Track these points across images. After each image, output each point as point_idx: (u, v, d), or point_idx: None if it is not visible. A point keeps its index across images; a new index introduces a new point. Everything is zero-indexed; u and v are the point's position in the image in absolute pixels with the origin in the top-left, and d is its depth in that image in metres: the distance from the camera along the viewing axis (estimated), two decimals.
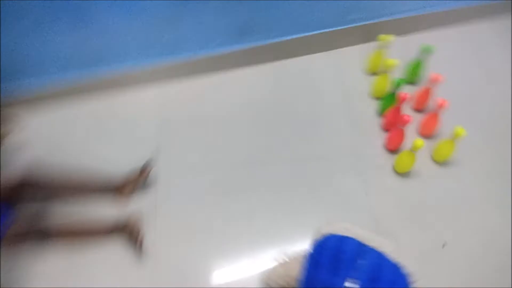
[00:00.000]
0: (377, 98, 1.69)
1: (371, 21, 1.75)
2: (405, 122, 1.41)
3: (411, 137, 1.47)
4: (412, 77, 1.69)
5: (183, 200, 1.48)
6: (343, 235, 1.20)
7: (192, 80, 1.75)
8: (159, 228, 1.42)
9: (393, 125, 1.55)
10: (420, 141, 1.35)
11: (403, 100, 1.45)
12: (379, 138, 1.59)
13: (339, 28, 1.73)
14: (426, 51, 1.57)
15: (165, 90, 1.74)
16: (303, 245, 1.21)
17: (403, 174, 1.51)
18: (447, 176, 1.51)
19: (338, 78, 1.76)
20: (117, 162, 1.50)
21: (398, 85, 1.49)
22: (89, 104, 1.70)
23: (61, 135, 1.63)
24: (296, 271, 1.20)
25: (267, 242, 1.39)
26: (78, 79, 1.62)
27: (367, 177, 1.51)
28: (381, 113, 1.64)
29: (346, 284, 1.05)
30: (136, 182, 1.45)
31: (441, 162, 1.53)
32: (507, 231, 1.39)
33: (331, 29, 1.73)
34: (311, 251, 1.22)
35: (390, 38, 1.60)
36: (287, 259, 1.26)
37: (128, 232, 1.36)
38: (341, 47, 1.83)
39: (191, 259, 1.36)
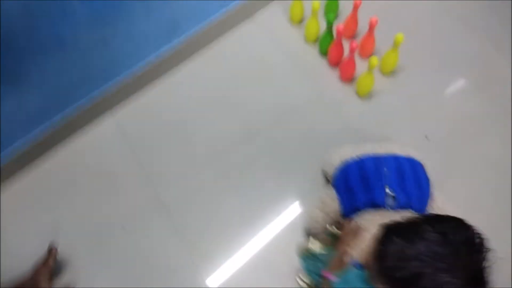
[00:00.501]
0: (313, 42, 1.80)
1: None
2: (353, 48, 1.54)
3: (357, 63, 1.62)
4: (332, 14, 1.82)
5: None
6: (356, 158, 1.33)
7: (139, 94, 1.72)
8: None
9: (339, 58, 1.69)
10: (374, 58, 1.49)
11: (340, 32, 1.58)
12: (333, 74, 1.72)
13: None
14: None
15: (119, 115, 1.68)
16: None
17: (366, 95, 1.66)
18: (403, 83, 1.68)
19: (271, 39, 1.83)
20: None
21: (331, 21, 1.62)
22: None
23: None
24: (333, 206, 1.30)
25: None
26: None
27: (339, 111, 1.64)
28: (324, 52, 1.76)
29: (387, 191, 1.18)
30: (47, 268, 1.29)
31: (390, 73, 1.70)
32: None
33: None
34: (336, 183, 1.33)
35: None
36: (320, 202, 1.35)
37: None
38: (259, 9, 1.89)
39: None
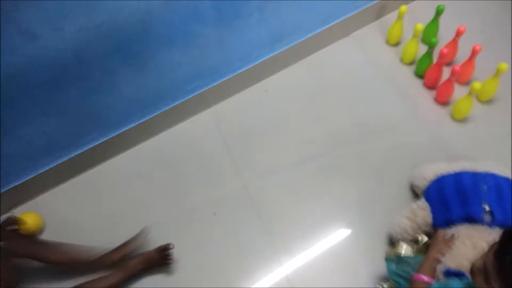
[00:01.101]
0: (409, 63, 1.85)
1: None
2: (455, 72, 1.57)
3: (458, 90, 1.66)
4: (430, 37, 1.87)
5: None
6: (451, 172, 1.34)
7: (239, 94, 1.85)
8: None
9: (437, 81, 1.72)
10: (477, 83, 1.51)
11: (444, 55, 1.62)
12: (427, 96, 1.75)
13: (354, 12, 1.88)
14: (440, 11, 1.75)
15: (219, 111, 1.82)
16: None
17: (461, 119, 1.67)
18: (500, 111, 1.69)
19: (367, 57, 1.91)
20: None
21: (434, 44, 1.67)
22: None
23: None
24: (424, 217, 1.32)
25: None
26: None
27: (431, 131, 1.66)
28: (420, 74, 1.80)
29: (485, 207, 1.19)
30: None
31: (487, 101, 1.70)
32: None
33: (347, 16, 1.88)
34: (429, 195, 1.35)
35: (406, 8, 1.78)
36: (409, 212, 1.37)
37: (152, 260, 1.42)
38: (359, 28, 1.98)
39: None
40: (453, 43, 1.73)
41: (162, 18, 1.36)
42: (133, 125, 1.66)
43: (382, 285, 1.34)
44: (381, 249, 1.42)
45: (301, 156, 1.67)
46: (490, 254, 0.89)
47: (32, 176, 1.57)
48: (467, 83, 1.74)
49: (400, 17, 1.81)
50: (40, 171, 1.58)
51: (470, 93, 1.56)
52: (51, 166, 1.59)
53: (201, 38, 1.52)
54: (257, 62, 1.77)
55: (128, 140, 1.71)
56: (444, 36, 1.77)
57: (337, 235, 1.50)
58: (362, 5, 1.88)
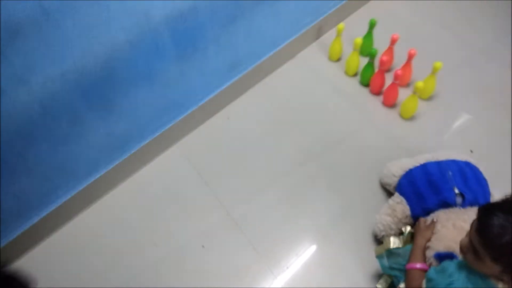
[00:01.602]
0: (353, 75, 2.01)
1: (318, 20, 2.07)
2: (397, 76, 1.74)
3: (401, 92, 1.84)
4: (368, 49, 2.05)
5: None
6: (417, 165, 1.47)
7: (203, 124, 1.88)
8: None
9: (381, 86, 1.89)
10: (420, 83, 1.68)
11: (385, 63, 1.79)
12: (375, 101, 1.91)
13: (298, 34, 2.01)
14: (373, 24, 1.94)
15: (186, 144, 1.83)
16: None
17: (410, 118, 1.84)
18: (442, 105, 1.88)
19: (314, 74, 2.04)
20: None
21: (374, 54, 1.83)
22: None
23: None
24: (403, 211, 1.43)
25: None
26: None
27: (386, 132, 1.81)
28: (365, 83, 1.96)
29: (455, 191, 1.32)
30: None
31: (429, 97, 1.90)
32: None
33: (292, 38, 2.01)
34: (403, 190, 1.47)
35: (343, 25, 1.94)
36: (389, 209, 1.47)
37: None
38: (302, 50, 2.11)
39: None
40: (390, 51, 1.91)
41: (125, 59, 1.37)
42: (104, 172, 1.62)
43: (381, 286, 1.41)
44: (370, 249, 1.49)
45: (275, 175, 1.73)
46: (472, 231, 1.00)
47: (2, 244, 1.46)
48: (408, 84, 1.92)
49: (338, 34, 1.97)
50: (11, 238, 1.47)
51: (414, 93, 1.73)
52: (23, 229, 1.49)
53: (163, 74, 1.54)
54: (217, 91, 1.82)
55: (101, 188, 1.66)
56: (380, 45, 1.95)
57: (325, 244, 1.56)
58: (303, 28, 2.01)
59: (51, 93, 1.24)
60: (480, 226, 0.97)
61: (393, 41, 1.87)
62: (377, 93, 1.93)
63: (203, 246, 1.56)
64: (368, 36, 1.99)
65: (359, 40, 1.87)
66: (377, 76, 1.87)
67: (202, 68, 1.67)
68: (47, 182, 1.46)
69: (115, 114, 1.49)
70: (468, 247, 1.02)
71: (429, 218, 1.34)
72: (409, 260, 1.26)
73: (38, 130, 1.30)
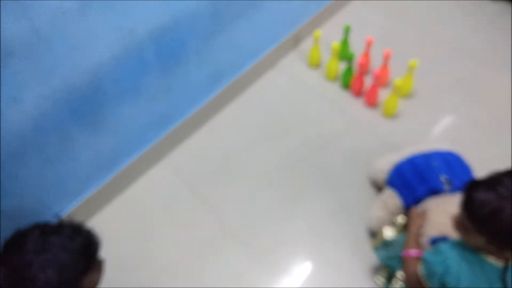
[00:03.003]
0: (334, 79, 2.07)
1: (295, 29, 2.14)
2: (376, 77, 1.81)
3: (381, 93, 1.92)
4: (345, 53, 2.12)
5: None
6: (403, 158, 1.53)
7: (193, 135, 1.90)
8: None
9: (361, 88, 1.95)
10: (398, 81, 1.75)
11: (363, 66, 1.86)
12: (357, 103, 1.97)
13: (277, 44, 2.08)
14: (348, 29, 2.02)
15: (175, 157, 1.84)
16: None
17: (392, 116, 1.91)
18: (420, 101, 1.96)
19: (296, 82, 2.09)
20: None
21: (351, 58, 1.90)
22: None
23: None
24: (395, 203, 1.47)
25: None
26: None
27: (371, 132, 1.87)
28: (346, 85, 2.02)
29: (442, 179, 1.38)
30: None
31: (408, 95, 1.97)
32: None
33: (271, 48, 2.07)
34: (393, 183, 1.51)
35: (319, 33, 2.01)
36: (381, 203, 1.51)
37: None
38: (281, 58, 2.17)
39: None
40: (366, 54, 1.99)
41: (111, 75, 1.39)
42: (94, 189, 1.61)
43: (379, 279, 1.44)
44: (367, 244, 1.52)
45: (266, 181, 1.75)
46: (460, 208, 1.05)
47: None
48: (387, 84, 2.00)
49: (316, 41, 2.03)
50: None
51: (393, 92, 1.80)
52: None
53: (149, 89, 1.57)
54: (202, 103, 1.85)
55: (92, 206, 1.65)
56: (357, 49, 2.02)
57: (322, 244, 1.58)
58: (281, 37, 2.08)
59: (43, 110, 1.25)
60: (464, 200, 1.03)
61: (368, 44, 1.94)
62: (358, 94, 1.99)
63: (200, 258, 1.56)
64: (345, 41, 2.06)
65: (336, 45, 1.94)
66: (357, 79, 1.93)
67: (186, 81, 1.70)
68: (38, 202, 1.45)
69: (102, 130, 1.50)
70: (458, 222, 1.07)
71: (420, 207, 1.38)
72: (404, 248, 1.30)
73: (30, 149, 1.30)
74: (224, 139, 1.89)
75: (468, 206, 1.01)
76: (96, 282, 1.02)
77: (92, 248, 0.98)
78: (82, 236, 0.96)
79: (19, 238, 0.91)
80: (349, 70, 1.96)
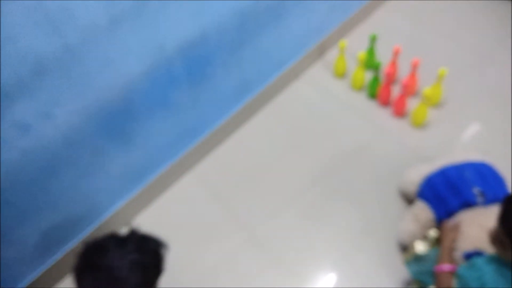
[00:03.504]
0: (360, 89, 2.05)
1: (320, 39, 2.13)
2: (406, 86, 1.78)
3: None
4: (372, 63, 2.10)
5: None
6: (435, 170, 1.49)
7: (220, 147, 1.91)
8: None
9: (389, 97, 1.93)
10: (428, 90, 1.72)
11: (391, 75, 1.84)
12: (385, 112, 1.95)
13: (302, 54, 2.07)
14: (373, 38, 2.00)
15: (202, 170, 1.85)
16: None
17: (421, 125, 1.87)
18: (450, 110, 1.91)
19: (322, 92, 2.08)
20: None
21: (378, 67, 1.88)
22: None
23: None
24: (426, 216, 1.43)
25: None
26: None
27: (400, 142, 1.84)
28: (372, 95, 2.00)
29: (475, 191, 1.34)
30: None
31: (437, 104, 1.93)
32: None
33: (297, 58, 2.07)
34: (424, 195, 1.48)
35: (345, 42, 2.00)
36: (412, 215, 1.48)
37: None
38: (307, 68, 2.17)
39: None
40: (393, 63, 1.96)
41: (141, 89, 1.41)
42: (123, 202, 1.64)
43: None
44: (398, 258, 1.50)
45: (293, 193, 1.74)
46: (497, 222, 1.01)
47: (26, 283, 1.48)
48: (415, 93, 1.96)
49: (341, 51, 2.02)
50: (36, 275, 1.49)
51: (422, 101, 1.77)
52: (47, 267, 1.50)
53: (177, 102, 1.59)
54: (229, 115, 1.86)
55: (121, 218, 1.67)
56: (383, 58, 2.00)
57: (352, 258, 1.56)
58: (306, 47, 2.08)
59: (74, 125, 1.28)
60: (502, 215, 0.99)
61: (395, 53, 1.92)
62: (385, 104, 1.97)
63: (227, 270, 1.56)
64: (370, 50, 2.04)
65: (362, 54, 1.92)
66: (384, 88, 1.91)
67: (213, 94, 1.71)
68: (70, 217, 1.48)
69: (133, 144, 1.52)
70: (495, 237, 1.04)
71: (453, 220, 1.35)
72: (437, 263, 1.27)
73: (62, 164, 1.33)
74: (251, 150, 1.90)
75: (505, 220, 0.98)
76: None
77: (161, 252, 1.05)
78: (152, 241, 1.04)
79: (99, 246, 0.96)
80: (375, 80, 1.94)
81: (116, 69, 1.28)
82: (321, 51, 2.19)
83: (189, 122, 1.70)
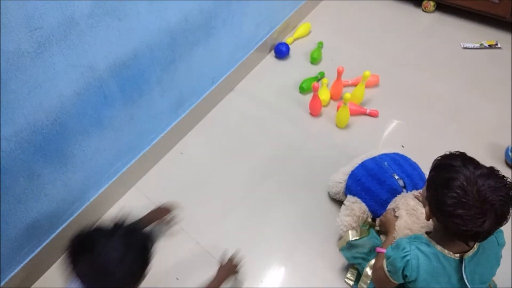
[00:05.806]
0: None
1: (249, 53, 2.25)
2: (316, 88, 1.94)
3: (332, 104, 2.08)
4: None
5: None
6: (357, 165, 1.63)
7: (158, 164, 1.95)
8: None
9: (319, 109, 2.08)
10: (347, 94, 1.88)
11: (316, 88, 1.98)
12: (313, 118, 2.10)
13: (233, 68, 2.18)
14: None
15: (145, 184, 1.88)
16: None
17: (345, 126, 2.03)
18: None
19: (255, 102, 2.20)
20: None
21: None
22: None
23: None
24: (360, 208, 1.56)
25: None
26: None
27: (327, 143, 1.98)
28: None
29: (395, 177, 1.49)
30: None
31: (360, 104, 2.10)
32: None
33: (228, 73, 2.16)
34: (352, 190, 1.61)
35: None
36: (346, 210, 1.59)
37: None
38: (239, 82, 2.28)
39: None
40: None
41: (74, 111, 1.43)
42: (65, 224, 1.63)
43: (349, 278, 1.53)
44: (335, 248, 1.60)
45: (235, 199, 1.82)
46: (425, 187, 1.13)
47: None
48: (340, 98, 2.13)
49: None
50: None
51: (344, 104, 1.92)
52: None
53: (113, 121, 1.62)
54: (167, 130, 1.91)
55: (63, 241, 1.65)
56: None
57: (294, 253, 1.65)
58: (237, 61, 2.19)
59: (7, 152, 1.28)
60: (428, 179, 1.11)
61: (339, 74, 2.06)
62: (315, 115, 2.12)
63: (177, 279, 1.60)
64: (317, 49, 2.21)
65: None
66: (313, 99, 2.05)
67: (149, 110, 1.76)
68: (10, 243, 1.45)
69: (71, 165, 1.53)
70: (424, 202, 1.15)
71: (391, 208, 1.47)
72: (367, 249, 1.40)
73: None
74: (192, 162, 1.97)
75: (431, 183, 1.09)
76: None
77: (149, 244, 1.07)
78: (139, 234, 1.06)
79: (86, 240, 1.02)
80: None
81: (45, 92, 1.30)
82: (251, 64, 2.30)
83: (127, 139, 1.73)
